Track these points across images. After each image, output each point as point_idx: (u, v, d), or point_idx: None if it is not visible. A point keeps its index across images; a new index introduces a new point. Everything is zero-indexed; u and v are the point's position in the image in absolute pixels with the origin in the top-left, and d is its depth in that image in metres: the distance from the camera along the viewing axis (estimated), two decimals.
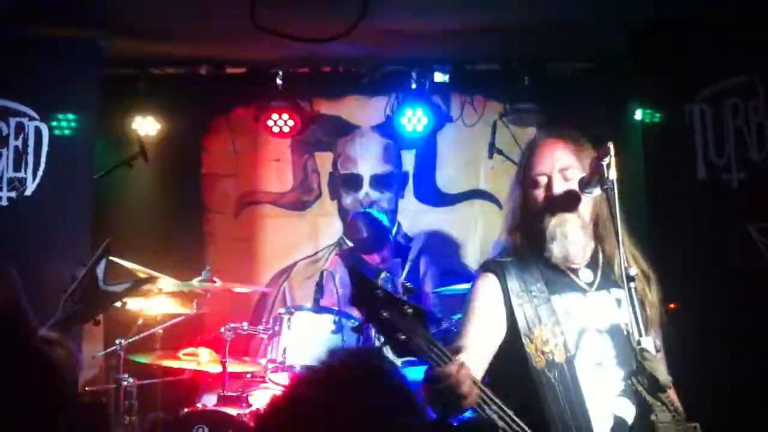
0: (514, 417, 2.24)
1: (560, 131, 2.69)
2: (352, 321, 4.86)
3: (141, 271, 4.62)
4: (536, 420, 2.32)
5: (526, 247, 2.62)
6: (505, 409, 2.23)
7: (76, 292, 2.55)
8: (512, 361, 2.50)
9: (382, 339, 2.15)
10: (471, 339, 2.50)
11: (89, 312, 2.61)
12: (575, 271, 2.61)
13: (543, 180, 2.60)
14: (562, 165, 2.57)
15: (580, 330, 2.52)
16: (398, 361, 4.58)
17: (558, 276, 2.59)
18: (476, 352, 2.45)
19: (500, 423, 2.23)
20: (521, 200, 2.67)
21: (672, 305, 2.83)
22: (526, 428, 2.25)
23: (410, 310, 2.13)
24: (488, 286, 2.60)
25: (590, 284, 2.60)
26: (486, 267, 2.66)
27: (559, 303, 2.55)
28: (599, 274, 2.62)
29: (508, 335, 2.53)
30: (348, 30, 3.68)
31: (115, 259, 3.81)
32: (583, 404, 2.42)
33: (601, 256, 2.64)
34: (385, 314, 2.11)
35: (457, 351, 2.17)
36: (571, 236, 2.55)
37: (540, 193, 2.60)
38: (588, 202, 2.58)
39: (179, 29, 5.42)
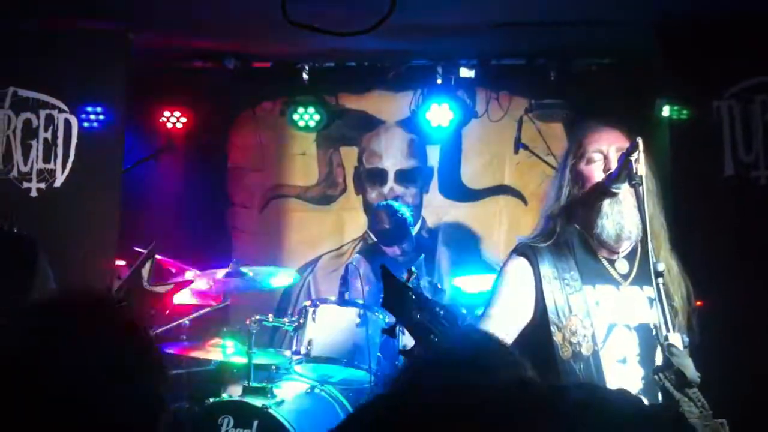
0: None
1: (616, 123, 2.68)
2: (377, 314, 4.88)
3: (172, 263, 4.67)
4: None
5: (569, 229, 2.60)
6: None
7: (121, 291, 2.60)
8: (539, 348, 2.49)
9: (415, 341, 2.16)
10: (494, 318, 2.50)
11: (133, 311, 2.65)
12: (612, 262, 2.59)
13: (598, 156, 2.58)
14: (619, 146, 2.55)
15: (609, 324, 2.52)
16: None
17: (593, 265, 2.58)
18: (498, 331, 2.45)
19: None
20: (571, 179, 2.64)
21: (699, 302, 2.80)
22: None
23: (442, 312, 2.14)
24: (519, 268, 2.59)
25: (625, 276, 2.59)
26: (519, 250, 2.65)
27: (592, 294, 2.54)
28: (636, 267, 2.60)
29: (536, 321, 2.52)
30: (379, 23, 3.67)
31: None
32: None
33: (639, 251, 2.62)
34: (418, 316, 2.11)
35: None
36: (626, 214, 2.52)
37: (595, 169, 2.58)
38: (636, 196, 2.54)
39: (207, 23, 5.45)
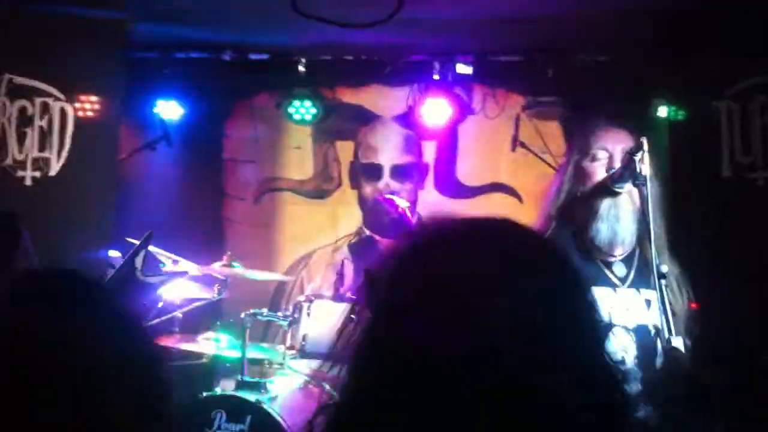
0: None
1: (623, 122, 2.67)
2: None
3: (167, 256, 4.64)
4: None
5: (565, 230, 2.58)
6: None
7: (113, 281, 2.57)
8: None
9: None
10: None
11: (126, 301, 2.63)
12: (609, 265, 2.59)
13: (603, 155, 2.56)
14: (625, 146, 2.53)
15: (606, 325, 2.51)
16: None
17: (590, 267, 2.56)
18: None
19: None
20: (573, 176, 2.62)
21: (694, 305, 2.80)
22: None
23: None
24: None
25: (622, 279, 2.58)
26: None
27: None
28: (633, 270, 2.59)
29: None
30: (390, 16, 3.66)
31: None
32: None
33: (638, 253, 2.62)
34: None
35: None
36: (622, 219, 2.51)
37: (599, 168, 2.56)
38: (637, 197, 2.53)
39: (204, 14, 5.42)
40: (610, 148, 2.58)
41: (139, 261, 2.59)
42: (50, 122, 5.04)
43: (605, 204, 2.52)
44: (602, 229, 2.52)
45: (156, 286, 2.68)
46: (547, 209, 2.68)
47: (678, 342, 2.26)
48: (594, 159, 2.59)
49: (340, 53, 6.30)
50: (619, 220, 2.52)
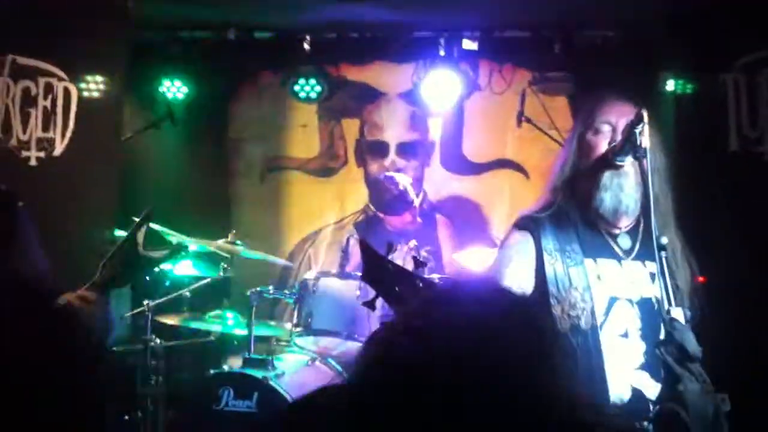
0: None
1: (628, 96, 2.65)
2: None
3: (172, 234, 4.65)
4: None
5: (571, 203, 2.57)
6: None
7: (115, 256, 2.57)
8: None
9: (394, 313, 2.16)
10: None
11: (128, 276, 2.63)
12: (614, 237, 2.57)
13: (607, 128, 2.55)
14: (628, 119, 2.51)
15: (610, 298, 2.50)
16: None
17: (595, 239, 2.56)
18: None
19: None
20: (577, 150, 2.61)
21: (701, 278, 2.78)
22: None
23: (422, 284, 2.13)
24: (519, 242, 2.56)
25: (627, 252, 2.57)
26: (520, 223, 2.62)
27: (593, 267, 2.52)
28: (638, 243, 2.58)
29: (535, 293, 2.50)
30: None
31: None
32: (603, 373, 2.40)
33: (642, 225, 2.60)
34: (397, 289, 2.11)
35: None
36: (626, 188, 2.50)
37: (601, 140, 2.55)
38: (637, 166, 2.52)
39: None
40: (613, 121, 2.56)
41: (140, 236, 2.59)
42: (54, 102, 5.03)
43: (608, 174, 2.51)
44: (606, 199, 2.51)
45: (159, 260, 2.67)
46: (552, 182, 2.68)
47: (678, 314, 2.25)
48: (597, 132, 2.57)
49: (344, 31, 6.27)
50: (623, 189, 2.51)
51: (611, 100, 2.63)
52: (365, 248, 2.16)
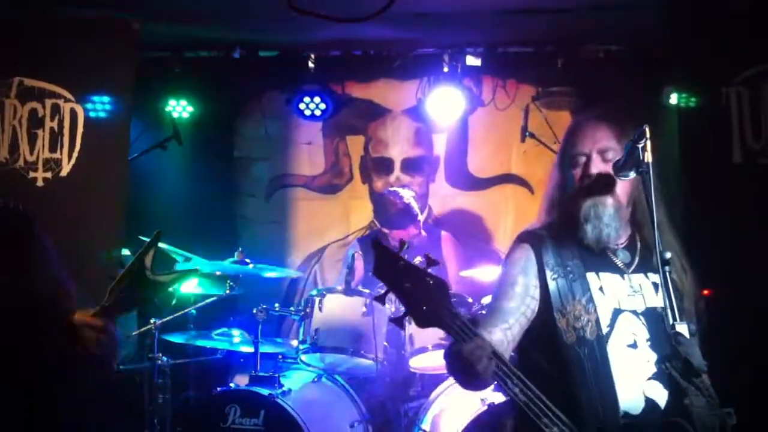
0: (538, 393, 2.24)
1: (604, 112, 2.66)
2: (379, 305, 4.87)
3: (178, 253, 4.67)
4: (563, 396, 2.32)
5: (567, 221, 2.59)
6: (529, 384, 2.23)
7: (123, 280, 2.57)
8: (543, 334, 2.49)
9: (405, 310, 2.17)
10: (504, 311, 2.49)
11: (136, 301, 2.63)
12: (614, 252, 2.58)
13: (581, 160, 2.57)
14: (601, 146, 2.54)
15: (615, 310, 2.50)
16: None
17: (596, 254, 2.57)
18: (511, 323, 2.46)
19: (522, 398, 2.23)
20: (560, 180, 2.64)
21: (706, 291, 2.78)
22: (549, 404, 2.25)
23: (432, 281, 2.14)
24: (522, 257, 2.57)
25: (628, 265, 2.58)
26: (522, 238, 2.63)
27: (595, 280, 2.53)
28: (637, 257, 2.59)
29: (540, 308, 2.51)
30: (378, 12, 3.66)
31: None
32: (611, 383, 2.40)
33: (639, 241, 2.61)
34: (407, 285, 2.12)
35: (475, 323, 2.19)
36: (605, 219, 2.52)
37: (577, 173, 2.57)
38: (626, 187, 2.54)
39: (212, 12, 5.44)
40: (587, 151, 2.57)
41: (148, 260, 2.59)
42: (61, 123, 5.07)
43: (587, 205, 2.52)
44: (588, 230, 2.53)
45: (167, 285, 2.67)
46: (547, 202, 2.70)
47: (682, 327, 2.25)
48: (575, 165, 2.59)
49: (348, 48, 6.31)
50: (601, 219, 2.52)
51: (583, 131, 2.63)
52: (377, 245, 2.17)
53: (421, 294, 2.13)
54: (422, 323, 2.16)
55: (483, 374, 2.17)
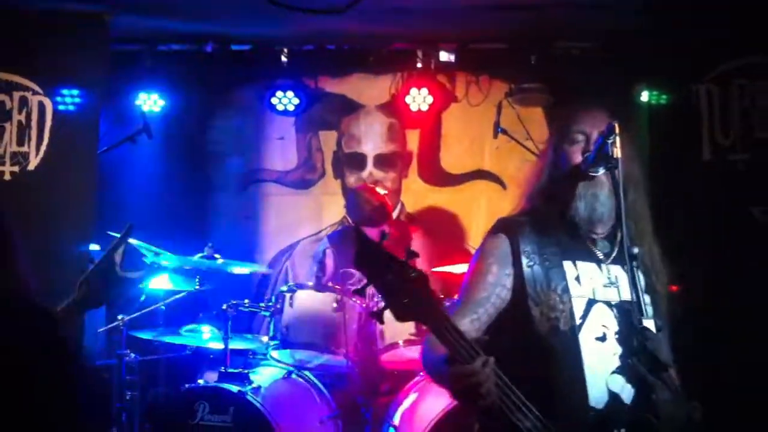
0: (511, 386, 2.19)
1: (602, 106, 2.65)
2: (354, 300, 4.86)
3: (149, 249, 4.62)
4: (534, 388, 2.29)
5: (548, 208, 2.57)
6: (502, 376, 2.17)
7: (93, 276, 2.54)
8: (516, 323, 2.46)
9: (385, 303, 2.12)
10: (474, 302, 2.47)
11: (104, 296, 2.60)
12: (593, 241, 2.57)
13: (581, 137, 2.55)
14: (602, 130, 2.51)
15: (589, 300, 2.49)
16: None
17: (574, 242, 2.54)
18: (480, 313, 2.44)
19: (527, 424, 2.21)
20: (553, 159, 2.61)
21: (674, 287, 2.79)
22: (523, 397, 2.20)
23: (414, 274, 2.11)
24: (496, 247, 2.54)
25: (606, 255, 2.57)
26: (498, 227, 2.61)
27: (571, 270, 2.51)
28: (616, 248, 2.58)
29: (514, 296, 2.50)
30: (352, 3, 3.64)
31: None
32: (582, 376, 2.39)
33: (618, 232, 2.60)
34: (389, 276, 2.09)
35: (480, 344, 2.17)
36: (601, 198, 2.50)
37: (576, 149, 2.55)
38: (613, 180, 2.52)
39: (184, 5, 5.39)
40: (587, 131, 2.57)
41: (118, 256, 2.56)
42: (28, 116, 5.00)
43: (583, 184, 2.51)
44: (581, 207, 2.51)
45: (136, 281, 2.64)
46: (528, 191, 2.68)
47: (650, 322, 2.25)
48: (573, 142, 2.58)
49: (322, 43, 6.28)
50: (597, 198, 2.51)
51: (585, 110, 2.64)
52: (358, 234, 2.13)
53: (402, 287, 2.10)
54: (402, 317, 2.13)
55: (485, 397, 2.11)
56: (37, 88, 5.04)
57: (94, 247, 4.87)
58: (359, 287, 2.20)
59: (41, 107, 5.03)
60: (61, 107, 5.06)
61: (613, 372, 2.43)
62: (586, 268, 2.53)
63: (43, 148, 5.00)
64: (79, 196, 5.01)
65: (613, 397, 2.40)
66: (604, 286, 2.52)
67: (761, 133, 4.78)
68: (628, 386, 2.40)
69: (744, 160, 4.76)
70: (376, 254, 2.10)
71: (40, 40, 5.05)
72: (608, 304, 2.50)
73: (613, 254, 2.57)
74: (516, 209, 2.68)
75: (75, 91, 5.10)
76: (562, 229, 2.55)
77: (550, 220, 2.55)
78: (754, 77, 4.80)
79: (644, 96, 5.37)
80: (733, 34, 4.78)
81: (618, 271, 2.55)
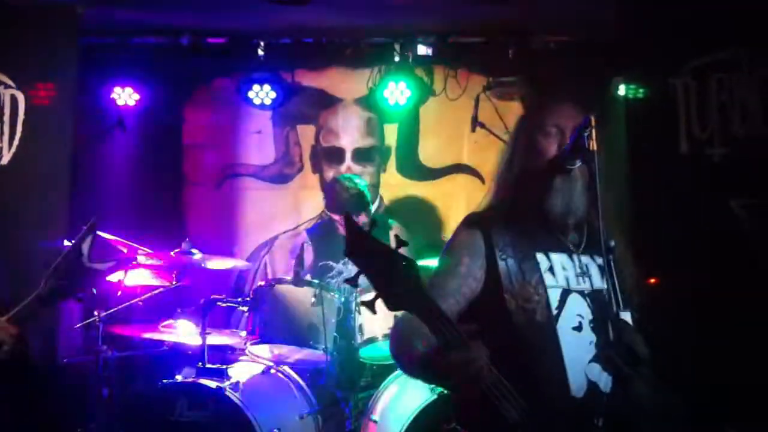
0: (499, 375, 2.19)
1: (576, 100, 2.64)
2: (332, 293, 4.84)
3: (121, 243, 4.57)
4: (517, 379, 2.28)
5: (520, 201, 2.57)
6: (518, 398, 2.20)
7: (60, 268, 2.52)
8: (492, 316, 2.45)
9: (376, 292, 2.10)
10: (437, 287, 2.46)
11: (72, 288, 2.58)
12: (563, 232, 2.57)
13: (554, 131, 2.55)
14: (576, 123, 2.50)
15: (564, 290, 2.49)
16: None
17: (546, 234, 2.54)
18: (450, 303, 2.42)
19: (513, 413, 2.20)
20: (525, 150, 2.60)
21: (652, 279, 2.80)
22: (510, 387, 2.20)
23: (405, 263, 2.09)
24: (471, 239, 2.54)
25: (577, 246, 2.57)
26: (471, 220, 2.60)
27: (545, 261, 2.51)
28: (585, 238, 2.58)
29: (488, 290, 2.49)
30: None
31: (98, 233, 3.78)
32: (562, 366, 2.39)
33: (586, 223, 2.60)
34: (381, 266, 2.07)
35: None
36: (575, 192, 2.50)
37: (551, 143, 2.54)
38: (584, 170, 2.52)
39: None
40: (561, 124, 2.56)
41: (85, 247, 2.53)
42: (1, 110, 4.95)
43: (559, 179, 2.51)
44: (557, 202, 2.51)
45: (104, 272, 2.61)
46: (498, 181, 2.67)
47: (626, 316, 2.25)
48: (547, 135, 2.57)
49: (299, 36, 6.25)
50: (572, 193, 2.51)
51: (560, 104, 2.64)
52: (348, 222, 2.11)
53: (393, 275, 2.08)
54: (394, 306, 2.11)
55: (477, 384, 2.15)
56: (9, 82, 4.99)
57: (67, 243, 4.82)
58: (351, 276, 2.17)
59: (14, 101, 4.98)
60: (34, 101, 5.00)
61: (591, 361, 2.43)
62: (558, 258, 2.54)
63: (16, 142, 4.94)
64: (53, 190, 4.97)
65: (592, 385, 2.40)
66: (577, 275, 2.53)
67: (739, 127, 4.80)
68: (605, 375, 2.40)
69: (721, 154, 4.78)
70: (367, 243, 2.08)
71: (11, 33, 5.00)
72: (582, 293, 2.50)
73: (583, 244, 2.58)
74: (487, 198, 2.68)
75: (48, 85, 5.04)
76: (534, 221, 2.54)
77: (522, 212, 2.55)
78: (732, 70, 4.82)
79: (621, 90, 5.37)
80: (709, 27, 4.79)
81: (588, 261, 2.55)
